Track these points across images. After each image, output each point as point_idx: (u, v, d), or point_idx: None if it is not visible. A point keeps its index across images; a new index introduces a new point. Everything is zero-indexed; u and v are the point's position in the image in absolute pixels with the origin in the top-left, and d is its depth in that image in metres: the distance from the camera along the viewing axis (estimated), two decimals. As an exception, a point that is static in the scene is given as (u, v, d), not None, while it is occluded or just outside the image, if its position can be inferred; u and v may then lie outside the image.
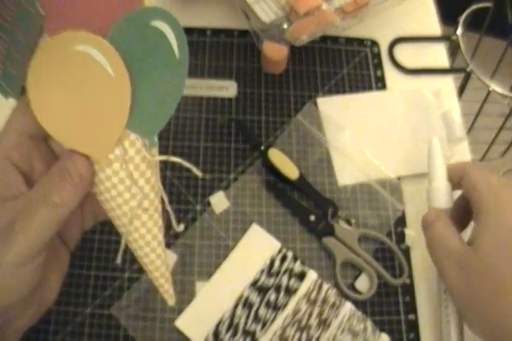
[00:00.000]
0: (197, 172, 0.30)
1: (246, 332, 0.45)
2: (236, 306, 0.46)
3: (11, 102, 0.28)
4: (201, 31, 0.60)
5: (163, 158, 0.29)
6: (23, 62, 0.26)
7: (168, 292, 0.32)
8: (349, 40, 0.61)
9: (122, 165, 0.27)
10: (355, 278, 0.49)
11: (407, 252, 0.50)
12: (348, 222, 0.51)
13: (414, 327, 0.48)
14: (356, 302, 0.48)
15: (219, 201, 0.51)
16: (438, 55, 0.62)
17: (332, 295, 0.47)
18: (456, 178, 0.43)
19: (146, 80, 0.26)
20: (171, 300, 0.33)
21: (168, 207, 0.31)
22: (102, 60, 0.25)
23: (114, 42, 0.25)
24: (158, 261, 0.31)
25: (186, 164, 0.30)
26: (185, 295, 0.47)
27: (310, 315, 0.46)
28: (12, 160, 0.28)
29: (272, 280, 0.47)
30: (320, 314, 0.46)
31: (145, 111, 0.27)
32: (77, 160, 0.27)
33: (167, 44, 0.26)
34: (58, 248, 0.32)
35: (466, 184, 0.41)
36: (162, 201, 0.30)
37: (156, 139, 0.29)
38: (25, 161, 0.29)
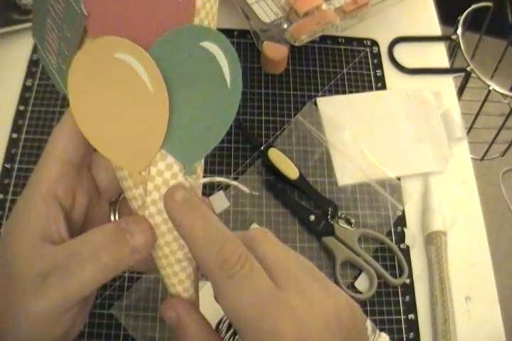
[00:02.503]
0: (244, 188, 0.29)
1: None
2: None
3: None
4: (201, 31, 0.60)
5: (206, 180, 0.27)
6: (70, 59, 0.25)
7: None
8: (349, 40, 0.61)
9: (156, 187, 0.26)
10: (355, 277, 0.49)
11: (406, 252, 0.50)
12: (348, 222, 0.51)
13: (414, 326, 0.48)
14: (356, 302, 0.47)
15: (219, 201, 0.51)
16: (438, 55, 0.62)
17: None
18: None
19: (189, 102, 0.24)
20: None
21: None
22: (140, 71, 0.24)
23: (155, 56, 0.23)
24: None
25: (232, 182, 0.29)
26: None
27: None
28: (55, 196, 0.26)
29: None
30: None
31: (185, 135, 0.25)
32: (144, 226, 0.25)
33: (218, 69, 0.24)
34: None
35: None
36: None
37: (198, 170, 0.27)
38: (69, 195, 0.26)
